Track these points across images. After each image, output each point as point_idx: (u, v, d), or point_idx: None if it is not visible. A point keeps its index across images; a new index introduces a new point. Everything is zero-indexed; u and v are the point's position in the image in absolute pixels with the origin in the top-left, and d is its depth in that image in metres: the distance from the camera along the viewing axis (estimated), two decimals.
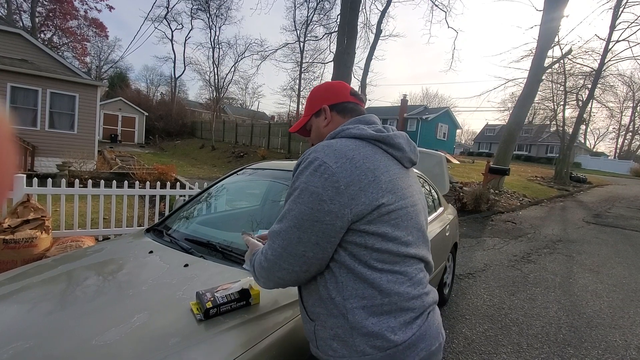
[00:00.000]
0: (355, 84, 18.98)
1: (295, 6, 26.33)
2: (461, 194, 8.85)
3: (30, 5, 26.93)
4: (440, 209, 3.21)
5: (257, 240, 1.09)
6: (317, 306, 0.92)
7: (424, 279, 0.96)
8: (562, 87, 18.96)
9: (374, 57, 16.29)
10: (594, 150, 50.00)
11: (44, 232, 3.23)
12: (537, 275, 4.42)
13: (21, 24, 26.13)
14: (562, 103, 19.81)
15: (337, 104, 1.07)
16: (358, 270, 0.87)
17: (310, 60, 29.74)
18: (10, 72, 10.45)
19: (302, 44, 28.45)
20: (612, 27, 16.10)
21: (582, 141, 41.08)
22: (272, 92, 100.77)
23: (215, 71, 31.89)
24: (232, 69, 31.51)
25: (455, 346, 2.65)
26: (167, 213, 2.34)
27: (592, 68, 17.58)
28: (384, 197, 0.87)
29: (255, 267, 0.96)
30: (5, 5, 26.29)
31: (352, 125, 0.99)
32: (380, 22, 15.89)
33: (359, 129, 0.96)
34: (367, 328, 0.84)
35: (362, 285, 0.86)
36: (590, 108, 21.94)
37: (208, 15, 31.53)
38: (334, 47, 14.10)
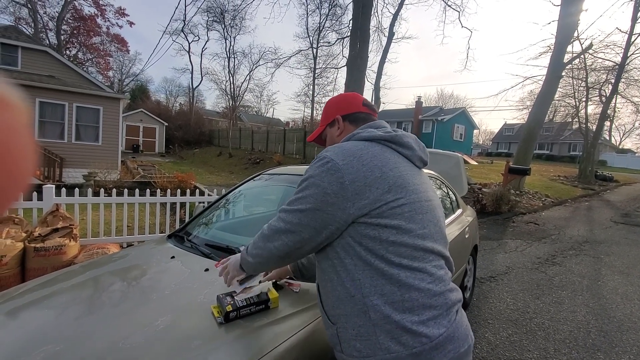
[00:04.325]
0: (368, 88, 18.98)
1: (307, 14, 26.70)
2: (480, 195, 8.67)
3: (55, 23, 28.29)
4: (459, 211, 3.17)
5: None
6: (337, 308, 0.93)
7: (445, 276, 0.94)
8: (583, 82, 18.37)
9: (387, 60, 16.24)
10: (620, 147, 48.01)
11: (72, 240, 3.37)
12: (563, 278, 4.27)
13: (47, 42, 27.44)
14: (584, 99, 19.17)
15: (349, 114, 1.14)
16: (376, 265, 0.87)
17: (324, 66, 29.94)
18: (38, 88, 10.99)
19: (315, 50, 28.70)
20: (634, 20, 15.53)
21: (607, 138, 39.55)
22: (286, 99, 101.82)
23: (231, 80, 32.57)
24: (247, 78, 32.19)
25: (478, 351, 2.60)
26: (187, 220, 2.41)
27: (614, 62, 16.97)
28: (391, 191, 0.91)
29: (252, 242, 1.04)
30: (33, 25, 27.72)
31: (362, 129, 1.06)
32: (392, 25, 15.86)
33: (368, 132, 1.03)
34: (390, 324, 0.84)
35: (380, 281, 0.87)
36: (615, 103, 21.09)
37: (223, 27, 32.27)
38: (346, 52, 14.14)
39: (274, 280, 1.40)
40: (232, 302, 1.18)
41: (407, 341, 0.83)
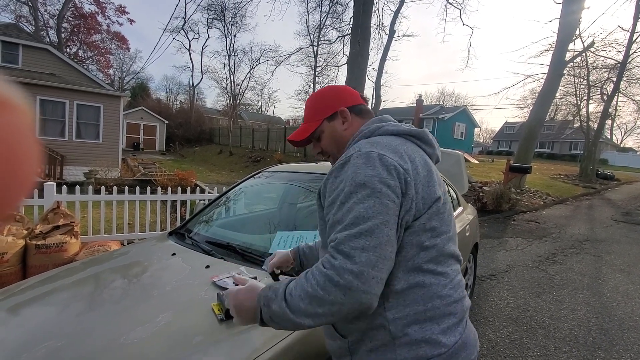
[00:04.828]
0: (369, 86, 18.91)
1: (308, 11, 26.59)
2: (481, 193, 8.66)
3: (56, 21, 28.24)
4: (460, 209, 3.16)
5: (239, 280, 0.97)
6: (351, 322, 0.83)
7: (462, 282, 0.89)
8: (585, 81, 18.31)
9: (387, 58, 16.20)
10: (622, 145, 47.97)
11: (73, 237, 3.37)
12: (564, 276, 4.27)
13: (48, 40, 27.40)
14: (585, 98, 19.13)
15: (355, 105, 1.01)
16: (403, 276, 0.81)
17: (324, 64, 29.81)
18: (39, 86, 10.99)
19: (315, 48, 28.59)
20: (636, 18, 15.46)
21: (609, 137, 39.51)
22: (287, 97, 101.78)
23: (232, 78, 32.44)
24: (248, 76, 31.97)
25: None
26: (187, 217, 2.42)
27: (616, 60, 16.91)
28: (438, 190, 0.84)
29: (308, 294, 0.72)
30: (33, 22, 27.69)
31: (383, 122, 0.95)
32: (393, 22, 15.80)
33: (395, 126, 0.93)
34: (410, 336, 0.78)
35: (403, 293, 0.80)
36: (616, 102, 21.06)
37: (223, 24, 32.15)
38: (347, 50, 14.11)
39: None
40: None
41: (425, 352, 0.78)
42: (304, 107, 1.12)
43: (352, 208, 0.74)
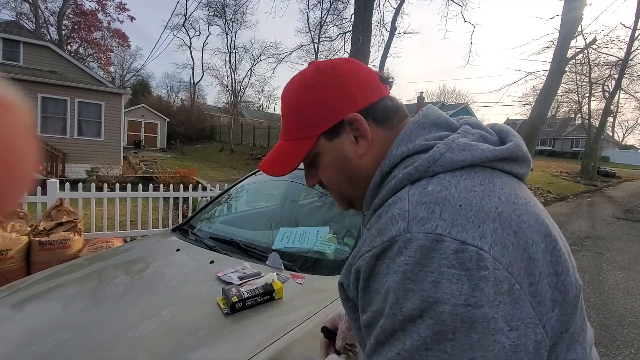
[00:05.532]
0: None
1: (309, 8, 26.37)
2: None
3: (57, 19, 28.22)
4: None
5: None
6: None
7: None
8: (586, 78, 18.27)
9: (389, 55, 16.13)
10: (623, 143, 47.86)
11: (76, 234, 3.40)
12: None
13: (49, 37, 27.38)
14: (587, 95, 19.11)
15: (373, 105, 0.56)
16: None
17: None
18: (40, 83, 11.01)
19: (316, 45, 28.49)
20: (638, 15, 15.37)
21: (610, 134, 39.41)
22: None
23: (232, 75, 32.35)
24: (249, 73, 31.82)
25: None
26: (189, 214, 2.44)
27: (618, 57, 16.85)
28: (576, 276, 0.47)
29: None
30: (34, 20, 27.67)
31: (437, 139, 0.51)
32: (394, 19, 15.75)
33: (466, 149, 0.48)
34: None
35: None
36: (618, 99, 20.99)
37: (224, 21, 32.07)
38: (348, 47, 14.08)
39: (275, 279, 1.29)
40: (237, 294, 1.20)
41: None
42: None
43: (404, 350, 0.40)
